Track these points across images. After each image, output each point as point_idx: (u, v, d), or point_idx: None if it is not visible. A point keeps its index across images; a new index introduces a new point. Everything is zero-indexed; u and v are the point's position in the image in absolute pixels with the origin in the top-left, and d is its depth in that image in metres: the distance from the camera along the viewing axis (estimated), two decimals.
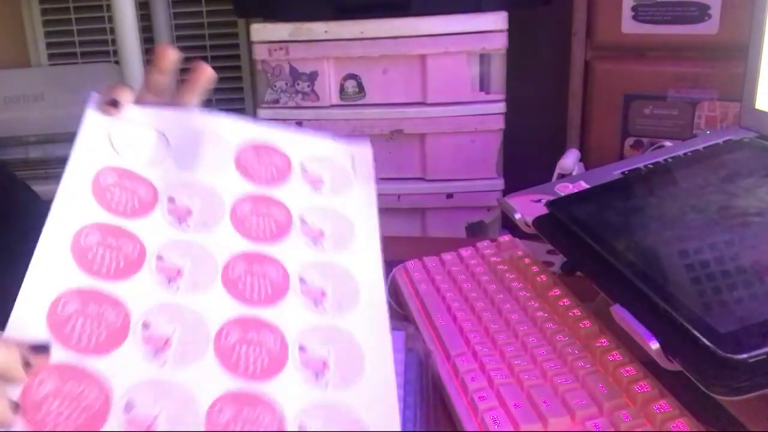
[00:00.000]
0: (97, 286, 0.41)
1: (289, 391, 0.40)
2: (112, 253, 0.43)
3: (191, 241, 0.45)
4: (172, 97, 0.51)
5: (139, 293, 0.42)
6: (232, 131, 0.51)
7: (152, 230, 0.44)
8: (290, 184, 0.49)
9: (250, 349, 0.41)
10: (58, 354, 0.38)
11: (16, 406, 0.36)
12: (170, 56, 0.50)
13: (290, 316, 0.43)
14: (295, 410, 0.39)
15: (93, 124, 0.48)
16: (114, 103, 0.48)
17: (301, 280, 0.45)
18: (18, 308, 0.39)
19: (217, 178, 0.48)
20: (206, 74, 0.51)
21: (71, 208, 0.44)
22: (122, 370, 0.38)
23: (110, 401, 0.37)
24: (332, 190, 0.50)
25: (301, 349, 0.42)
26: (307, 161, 0.51)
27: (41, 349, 0.39)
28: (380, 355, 0.42)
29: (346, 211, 0.49)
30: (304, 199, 0.49)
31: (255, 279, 0.44)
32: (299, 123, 1.08)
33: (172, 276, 0.43)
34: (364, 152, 0.52)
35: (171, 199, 0.46)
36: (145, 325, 0.40)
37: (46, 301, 0.40)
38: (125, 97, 0.48)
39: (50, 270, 0.41)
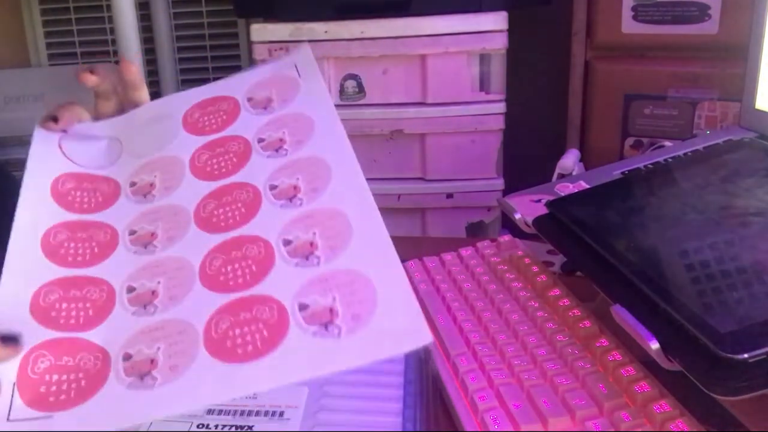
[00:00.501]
0: (75, 274, 0.42)
1: (281, 282, 0.40)
2: (84, 243, 0.44)
3: (159, 206, 0.46)
4: (123, 101, 0.54)
5: (118, 267, 0.43)
6: (175, 104, 0.52)
7: (120, 213, 0.46)
8: (240, 118, 0.50)
9: (235, 266, 0.42)
10: (48, 335, 0.39)
11: None
12: (89, 81, 0.52)
13: (269, 221, 0.43)
14: (292, 294, 0.39)
15: (42, 140, 0.50)
16: (54, 119, 0.51)
17: (271, 187, 0.45)
18: None
19: (170, 147, 0.49)
20: (130, 69, 0.53)
21: (34, 216, 0.45)
22: (114, 333, 0.39)
23: (109, 361, 0.38)
24: (282, 102, 0.50)
25: (285, 242, 0.42)
26: (251, 91, 0.52)
27: (10, 340, 0.40)
28: (364, 211, 0.42)
29: (300, 110, 0.49)
30: (255, 122, 0.49)
31: (227, 208, 0.45)
32: None
33: (147, 241, 0.44)
34: (304, 53, 0.52)
35: (132, 183, 0.48)
36: (130, 289, 0.42)
37: (27, 296, 0.41)
38: (66, 113, 0.51)
39: (25, 271, 0.42)
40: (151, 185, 0.47)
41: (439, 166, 1.08)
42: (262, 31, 1.06)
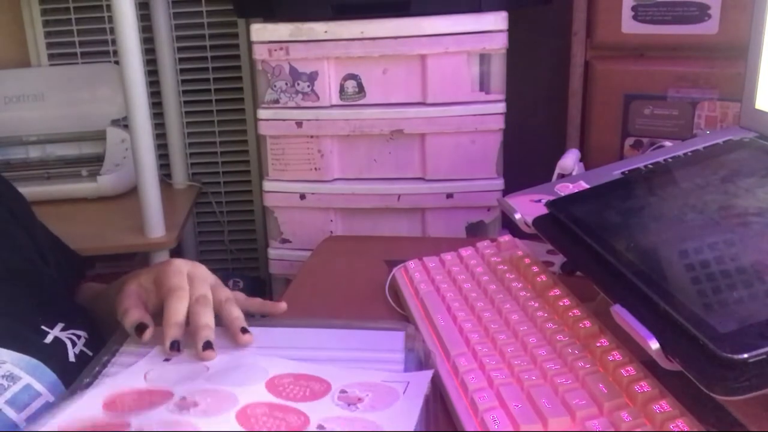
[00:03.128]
0: None
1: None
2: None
3: (185, 421, 0.45)
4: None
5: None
6: (275, 365, 0.53)
7: (147, 417, 0.46)
8: (320, 401, 0.49)
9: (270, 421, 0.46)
10: None
11: None
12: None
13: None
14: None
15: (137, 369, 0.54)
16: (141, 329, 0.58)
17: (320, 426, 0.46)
18: None
19: (239, 388, 0.49)
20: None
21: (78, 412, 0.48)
22: None
23: None
24: (369, 407, 0.48)
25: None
26: (350, 386, 0.51)
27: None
28: None
29: (376, 420, 0.47)
30: (328, 411, 0.48)
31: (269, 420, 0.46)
32: (299, 123, 1.08)
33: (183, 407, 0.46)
34: (422, 379, 0.51)
35: (183, 398, 0.48)
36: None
37: None
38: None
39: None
40: (195, 404, 0.47)
41: (439, 166, 1.08)
42: (262, 31, 1.06)
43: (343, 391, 0.50)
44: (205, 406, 0.46)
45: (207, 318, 0.57)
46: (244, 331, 0.57)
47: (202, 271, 0.63)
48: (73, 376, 0.54)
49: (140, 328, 0.57)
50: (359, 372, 0.52)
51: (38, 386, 0.54)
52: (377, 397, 0.49)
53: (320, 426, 0.45)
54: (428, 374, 0.51)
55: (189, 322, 0.57)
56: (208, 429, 0.44)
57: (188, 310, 0.58)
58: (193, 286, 0.60)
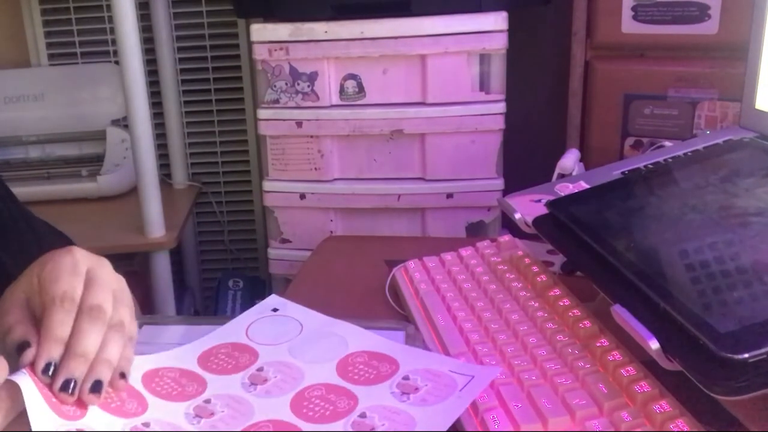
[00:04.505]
0: None
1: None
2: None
3: (245, 400, 0.50)
4: None
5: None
6: (356, 340, 0.57)
7: (223, 386, 0.52)
8: (378, 386, 0.51)
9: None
10: None
11: None
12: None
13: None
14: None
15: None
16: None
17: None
18: None
19: (311, 366, 0.54)
20: None
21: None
22: None
23: None
24: (420, 400, 0.49)
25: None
26: (415, 372, 0.52)
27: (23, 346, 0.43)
28: None
29: (416, 415, 0.48)
30: (380, 398, 0.50)
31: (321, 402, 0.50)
32: (299, 123, 1.08)
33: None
34: (486, 375, 0.51)
35: (259, 369, 0.54)
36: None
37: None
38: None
39: None
40: (265, 380, 0.52)
41: (439, 166, 1.08)
42: (262, 31, 1.06)
43: (405, 378, 0.51)
44: (271, 384, 0.51)
45: (96, 341, 0.44)
46: (123, 376, 0.46)
47: (106, 273, 0.48)
48: None
49: (21, 348, 0.43)
50: (431, 357, 0.55)
51: None
52: (435, 388, 0.50)
53: (362, 414, 0.48)
54: (495, 371, 0.51)
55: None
56: (261, 413, 0.49)
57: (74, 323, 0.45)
58: (90, 291, 0.46)
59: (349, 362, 0.54)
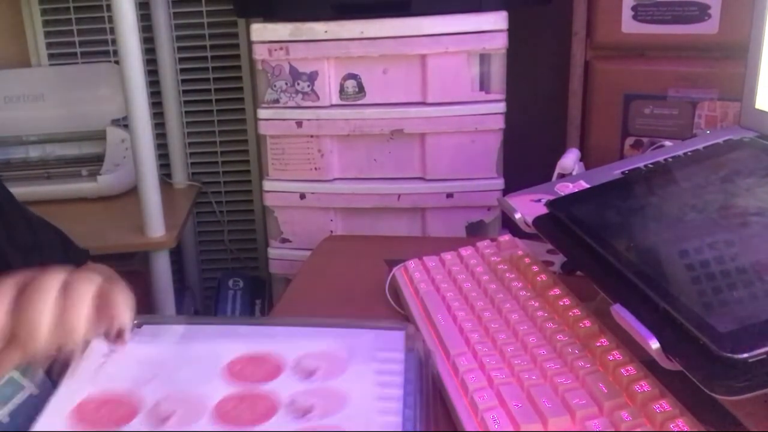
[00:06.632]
0: None
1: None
2: None
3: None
4: None
5: None
6: (227, 348, 0.55)
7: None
8: (279, 379, 0.52)
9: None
10: None
11: None
12: None
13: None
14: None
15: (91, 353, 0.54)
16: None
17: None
18: None
19: (201, 387, 0.52)
20: None
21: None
22: None
23: None
24: (324, 378, 0.52)
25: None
26: (303, 358, 0.55)
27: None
28: None
29: (338, 387, 0.51)
30: (292, 386, 0.51)
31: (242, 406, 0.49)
32: (299, 123, 1.08)
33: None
34: (366, 340, 0.56)
35: (156, 404, 0.50)
36: None
37: None
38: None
39: None
40: (168, 415, 0.49)
41: (439, 165, 1.08)
42: (262, 31, 1.06)
43: (296, 364, 0.53)
44: (180, 414, 0.49)
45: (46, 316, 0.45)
46: None
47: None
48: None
49: None
50: (304, 341, 0.56)
51: (23, 380, 0.53)
52: (329, 365, 0.53)
53: (293, 401, 0.49)
54: (369, 333, 0.55)
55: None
56: None
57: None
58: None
59: (234, 370, 0.53)
